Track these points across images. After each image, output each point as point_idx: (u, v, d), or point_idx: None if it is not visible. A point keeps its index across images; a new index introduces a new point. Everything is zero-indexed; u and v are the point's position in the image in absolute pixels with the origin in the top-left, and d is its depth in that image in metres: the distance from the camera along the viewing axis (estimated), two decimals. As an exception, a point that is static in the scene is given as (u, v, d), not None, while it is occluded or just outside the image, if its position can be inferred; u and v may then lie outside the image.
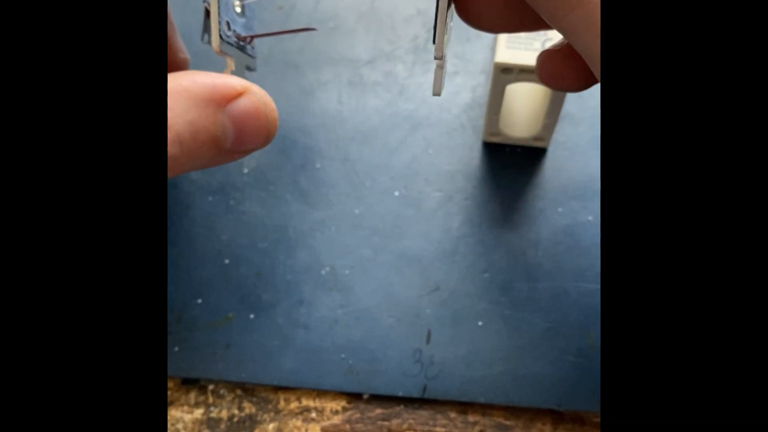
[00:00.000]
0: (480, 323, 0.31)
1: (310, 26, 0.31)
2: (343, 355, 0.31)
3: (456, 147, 0.35)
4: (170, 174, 0.22)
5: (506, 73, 0.30)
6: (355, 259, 0.33)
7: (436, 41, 0.22)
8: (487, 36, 0.38)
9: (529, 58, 0.29)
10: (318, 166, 0.35)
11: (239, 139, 0.24)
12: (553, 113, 0.32)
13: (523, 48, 0.29)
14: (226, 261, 0.33)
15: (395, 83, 0.37)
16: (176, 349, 0.31)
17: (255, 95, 0.23)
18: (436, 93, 0.23)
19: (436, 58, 0.23)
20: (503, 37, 0.30)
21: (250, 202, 0.34)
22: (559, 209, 0.33)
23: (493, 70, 0.30)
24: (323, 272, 0.33)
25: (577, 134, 0.35)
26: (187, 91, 0.22)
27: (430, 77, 0.37)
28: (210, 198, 0.34)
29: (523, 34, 0.29)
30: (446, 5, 0.23)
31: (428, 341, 0.31)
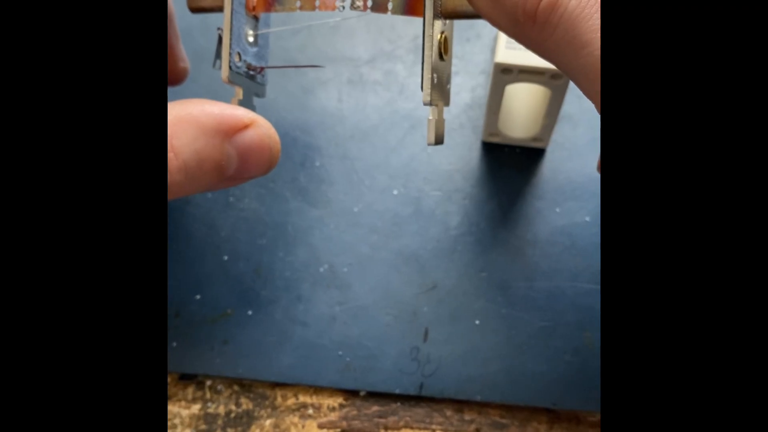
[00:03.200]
0: (477, 322, 0.31)
1: (317, 63, 0.32)
2: (340, 352, 0.31)
3: (455, 146, 0.35)
4: (172, 197, 0.22)
5: (506, 74, 0.30)
6: (353, 256, 0.33)
7: (423, 87, 0.23)
8: (486, 36, 0.38)
9: (529, 59, 0.29)
10: (317, 164, 0.35)
11: (242, 168, 0.24)
12: (552, 114, 0.32)
13: (523, 48, 0.29)
14: (225, 257, 0.33)
15: (395, 82, 0.37)
16: (174, 344, 0.31)
17: (261, 128, 0.24)
18: (430, 142, 0.23)
19: (425, 104, 0.23)
20: (503, 38, 0.30)
21: (250, 199, 0.34)
22: (557, 209, 0.34)
23: (493, 70, 0.30)
24: (322, 269, 0.33)
25: (576, 135, 0.35)
26: (197, 120, 0.22)
27: (430, 77, 0.37)
28: (209, 194, 0.34)
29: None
30: (436, 51, 0.23)
31: (425, 339, 0.31)
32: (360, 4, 0.24)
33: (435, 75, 0.22)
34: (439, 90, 0.23)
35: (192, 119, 0.22)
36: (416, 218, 0.34)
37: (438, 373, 0.30)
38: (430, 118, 0.23)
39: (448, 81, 0.25)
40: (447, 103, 0.24)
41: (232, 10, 0.24)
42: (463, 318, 0.31)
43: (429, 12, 0.22)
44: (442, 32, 0.23)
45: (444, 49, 0.23)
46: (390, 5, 0.24)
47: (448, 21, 0.23)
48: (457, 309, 0.32)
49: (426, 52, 0.22)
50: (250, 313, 0.32)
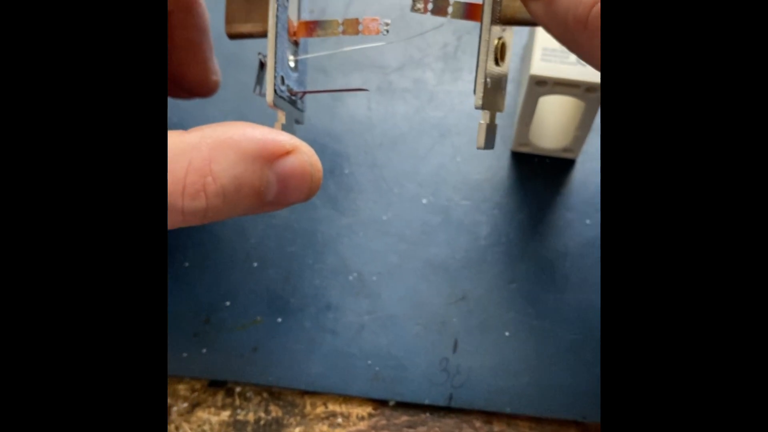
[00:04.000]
0: (507, 333, 0.31)
1: (362, 87, 0.31)
2: (369, 362, 0.31)
3: (484, 156, 0.35)
4: (209, 221, 0.23)
5: (541, 86, 0.30)
6: (382, 265, 0.33)
7: (476, 91, 0.23)
8: (517, 45, 0.38)
9: (564, 71, 0.29)
10: (346, 171, 0.35)
11: (282, 194, 0.24)
12: (584, 125, 0.32)
13: (558, 61, 0.29)
14: (255, 264, 0.33)
15: (424, 90, 0.37)
16: (204, 350, 0.31)
17: (303, 155, 0.24)
18: (479, 146, 0.23)
19: (476, 108, 0.23)
20: (538, 50, 0.30)
21: (279, 206, 0.34)
22: (587, 221, 0.33)
23: (528, 82, 0.30)
24: (351, 278, 0.33)
25: (606, 146, 0.35)
26: (237, 145, 0.22)
27: (460, 85, 0.37)
28: (239, 201, 0.34)
29: (558, 46, 0.29)
30: (492, 56, 0.23)
31: (455, 350, 0.31)
32: (420, 6, 0.24)
33: (489, 80, 0.23)
34: (493, 95, 0.23)
35: (233, 144, 0.22)
36: (445, 228, 0.34)
37: (467, 384, 0.30)
38: (481, 122, 0.23)
39: (504, 86, 0.25)
40: (501, 108, 0.25)
41: (276, 34, 0.24)
42: (493, 329, 0.31)
43: (487, 17, 0.22)
44: (500, 38, 0.23)
45: (500, 55, 0.23)
46: (450, 9, 0.24)
47: (507, 27, 0.24)
48: (486, 320, 0.32)
49: (481, 57, 0.22)
50: (279, 320, 0.32)
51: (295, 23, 0.26)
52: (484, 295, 0.32)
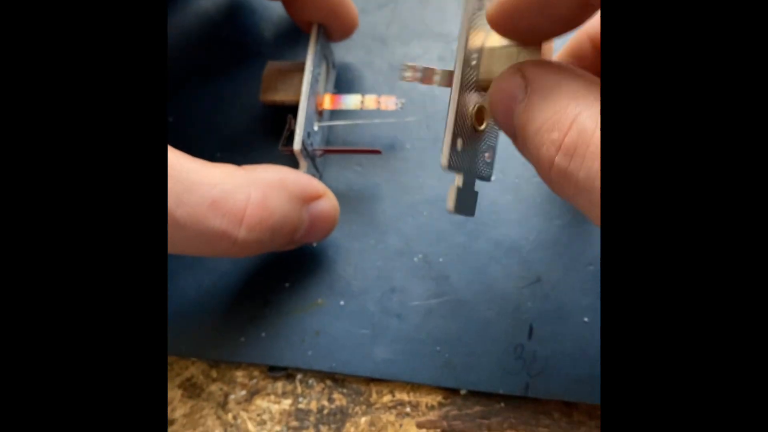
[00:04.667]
0: (585, 319, 0.29)
1: (375, 148, 0.32)
2: (438, 348, 0.29)
3: (555, 130, 0.33)
4: (252, 254, 0.25)
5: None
6: (448, 246, 0.31)
7: (443, 151, 0.22)
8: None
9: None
10: (408, 146, 0.33)
11: (308, 233, 0.27)
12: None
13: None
14: (314, 244, 0.31)
15: (489, 61, 0.35)
16: (263, 334, 0.30)
17: (332, 199, 0.27)
18: (449, 209, 0.22)
19: (442, 167, 0.22)
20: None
21: (338, 183, 0.32)
22: (668, 200, 0.31)
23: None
24: (416, 259, 0.31)
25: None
26: (287, 186, 0.25)
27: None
28: (295, 177, 0.32)
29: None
30: (468, 120, 0.23)
31: (530, 336, 0.29)
32: (409, 75, 0.24)
33: (460, 140, 0.22)
34: (469, 159, 0.23)
35: (283, 185, 0.24)
36: (516, 206, 0.32)
37: (545, 372, 0.28)
38: (453, 184, 0.22)
39: (487, 152, 0.25)
40: (486, 176, 0.25)
41: (308, 95, 0.29)
42: (571, 315, 0.29)
43: (456, 82, 0.22)
44: (476, 104, 0.23)
45: (477, 120, 0.23)
46: (436, 78, 0.24)
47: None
48: (563, 305, 0.30)
49: (450, 116, 0.22)
50: (342, 303, 0.30)
51: (322, 95, 0.31)
52: (559, 279, 0.30)
